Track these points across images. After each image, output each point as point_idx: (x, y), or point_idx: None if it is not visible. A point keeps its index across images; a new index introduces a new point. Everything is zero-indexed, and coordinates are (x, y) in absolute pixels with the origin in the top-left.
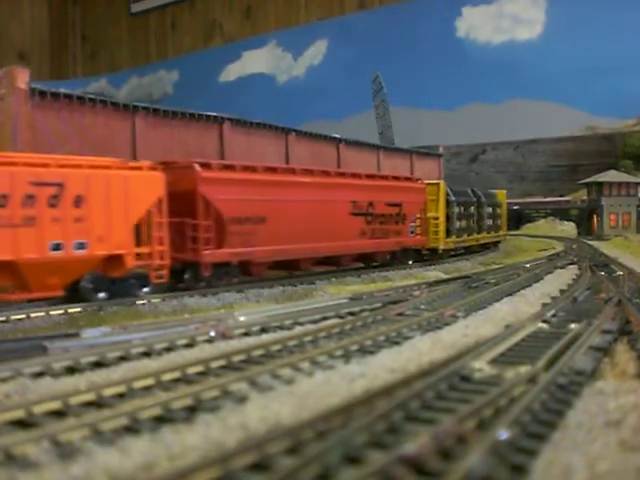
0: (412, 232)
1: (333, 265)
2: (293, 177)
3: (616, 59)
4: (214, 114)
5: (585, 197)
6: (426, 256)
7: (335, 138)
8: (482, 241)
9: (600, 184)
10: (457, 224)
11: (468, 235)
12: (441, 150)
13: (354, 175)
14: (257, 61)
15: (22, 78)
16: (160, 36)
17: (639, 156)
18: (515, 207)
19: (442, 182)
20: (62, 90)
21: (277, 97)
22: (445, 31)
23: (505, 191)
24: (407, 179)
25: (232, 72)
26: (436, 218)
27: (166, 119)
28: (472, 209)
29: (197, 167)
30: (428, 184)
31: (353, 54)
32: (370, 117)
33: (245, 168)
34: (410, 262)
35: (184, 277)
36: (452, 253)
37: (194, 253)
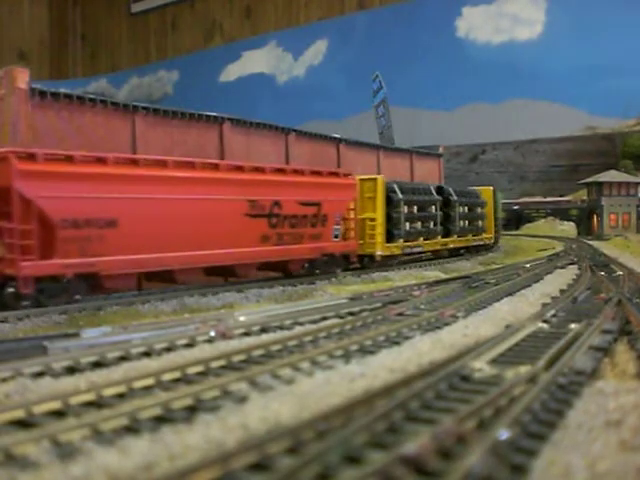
0: (336, 236)
1: (231, 276)
2: (161, 171)
3: (616, 59)
4: (214, 114)
5: (585, 197)
6: (360, 264)
7: (335, 138)
8: (451, 245)
9: (600, 184)
10: (406, 226)
11: (426, 239)
12: (441, 150)
13: (255, 169)
14: (257, 61)
15: (22, 78)
16: (160, 36)
17: (639, 156)
18: (515, 207)
19: (380, 177)
20: (62, 90)
21: (277, 97)
22: (445, 31)
23: (492, 188)
24: (331, 174)
25: (232, 72)
26: (373, 219)
27: (166, 119)
28: (433, 209)
29: (13, 158)
30: (363, 179)
31: (353, 54)
32: (370, 117)
33: (89, 159)
34: (339, 271)
35: (3, 293)
36: (402, 260)
37: (10, 264)
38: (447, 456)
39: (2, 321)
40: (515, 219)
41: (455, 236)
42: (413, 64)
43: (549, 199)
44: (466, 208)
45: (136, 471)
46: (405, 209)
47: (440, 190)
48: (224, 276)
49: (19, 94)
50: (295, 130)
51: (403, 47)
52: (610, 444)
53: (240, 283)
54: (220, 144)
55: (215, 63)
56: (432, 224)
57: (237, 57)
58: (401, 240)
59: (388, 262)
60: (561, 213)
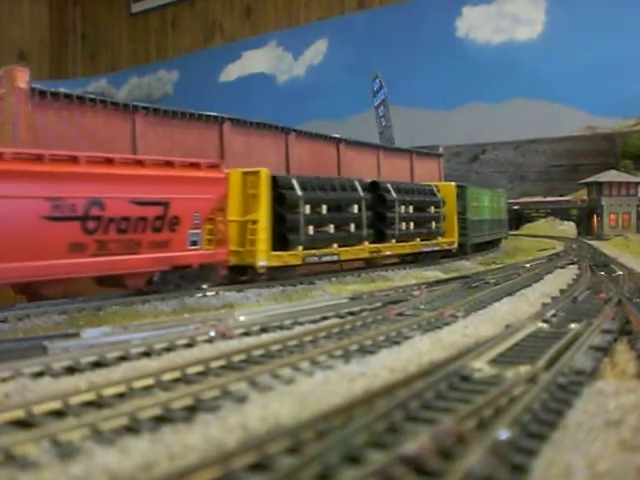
0: (195, 243)
1: (35, 296)
2: None
3: (616, 59)
4: (214, 114)
5: (585, 197)
6: (241, 277)
7: (335, 138)
8: (388, 252)
9: (600, 184)
10: (309, 230)
11: (343, 245)
12: (441, 150)
13: (63, 159)
14: (257, 61)
15: (22, 78)
16: (160, 36)
17: (639, 156)
18: (515, 207)
19: (265, 170)
20: (62, 90)
21: (277, 97)
22: (445, 31)
23: (455, 183)
24: (190, 165)
25: (232, 72)
26: (255, 222)
27: (166, 119)
28: (355, 209)
29: None
30: (245, 173)
31: (353, 54)
32: (370, 117)
33: None
34: (206, 286)
35: None
36: (305, 272)
37: None
38: (447, 456)
39: (2, 321)
40: (515, 219)
41: (393, 241)
42: (413, 64)
43: (549, 199)
44: (411, 208)
45: (136, 471)
46: (307, 209)
47: (374, 186)
48: (25, 295)
49: (19, 94)
50: (295, 130)
51: (403, 47)
52: (610, 444)
53: (240, 283)
54: (220, 144)
55: (215, 63)
56: (353, 227)
57: (237, 57)
58: (300, 247)
59: (280, 275)
60: (561, 213)
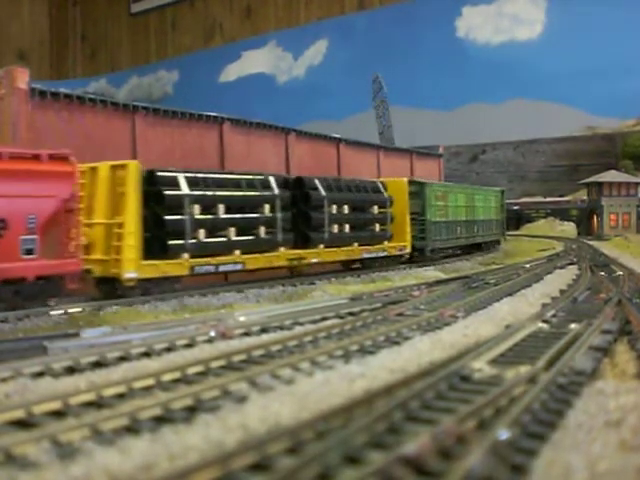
0: (30, 252)
1: None
2: None
3: (616, 59)
4: (214, 114)
5: (585, 197)
6: (103, 291)
7: (335, 138)
8: (314, 259)
9: (600, 184)
10: (198, 235)
11: (250, 252)
12: (441, 150)
13: None
14: (257, 61)
15: (22, 78)
16: (160, 36)
17: (639, 156)
18: (515, 207)
19: (134, 163)
20: (62, 90)
21: (277, 97)
22: (445, 31)
23: (407, 179)
24: (26, 157)
25: (232, 72)
26: (121, 225)
27: (166, 119)
28: (266, 209)
29: None
30: (114, 166)
31: (353, 54)
32: (370, 117)
33: None
34: (53, 303)
35: None
36: (193, 284)
37: None
38: (447, 456)
39: (2, 321)
40: (515, 219)
41: (322, 246)
42: (413, 64)
43: (549, 199)
44: (346, 207)
45: (136, 471)
46: (196, 210)
47: (298, 182)
48: None
49: (19, 94)
50: (295, 130)
51: (403, 47)
52: (610, 444)
53: (240, 283)
54: (220, 144)
55: (215, 63)
56: (263, 231)
57: (237, 57)
58: (186, 255)
59: (158, 288)
60: (561, 213)
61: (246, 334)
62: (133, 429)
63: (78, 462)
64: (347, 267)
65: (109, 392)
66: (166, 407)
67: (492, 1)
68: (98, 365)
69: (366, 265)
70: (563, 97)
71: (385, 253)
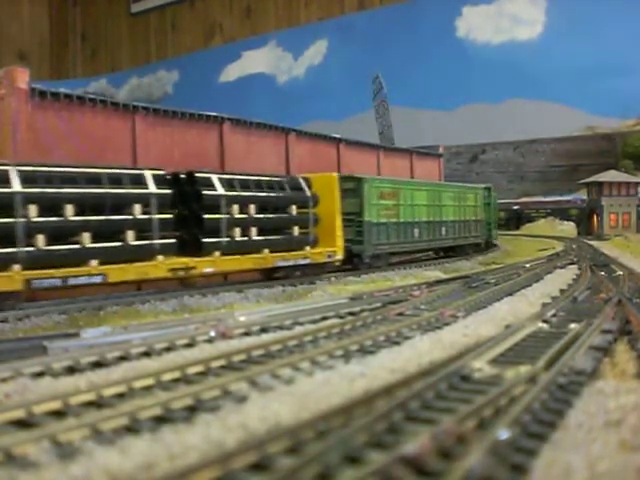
0: None
1: None
2: None
3: (616, 59)
4: (214, 114)
5: (584, 196)
6: None
7: (335, 138)
8: (206, 269)
9: (600, 184)
10: (35, 242)
11: (113, 262)
12: (441, 150)
13: None
14: (257, 61)
15: (22, 78)
16: (160, 36)
17: (639, 156)
18: (515, 207)
19: None
20: (62, 90)
21: (277, 97)
22: (445, 31)
23: (337, 174)
24: None
25: (232, 72)
26: None
27: (166, 119)
28: (137, 210)
29: None
30: None
31: (353, 54)
32: (370, 117)
33: None
34: None
35: None
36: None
37: None
38: (447, 456)
39: (2, 321)
40: (515, 219)
41: (218, 254)
42: (413, 64)
43: (549, 199)
44: (253, 208)
45: (136, 471)
46: (32, 211)
47: (189, 179)
48: None
49: (19, 94)
50: (295, 130)
51: (403, 47)
52: (610, 444)
53: (240, 283)
54: (220, 144)
55: (215, 63)
56: (131, 235)
57: (237, 57)
58: (17, 266)
59: None
60: (561, 213)
61: (246, 334)
62: (133, 429)
63: (78, 462)
64: (268, 277)
65: (109, 392)
66: (166, 407)
67: (492, 1)
68: (98, 365)
69: (288, 274)
70: (563, 97)
71: (308, 260)
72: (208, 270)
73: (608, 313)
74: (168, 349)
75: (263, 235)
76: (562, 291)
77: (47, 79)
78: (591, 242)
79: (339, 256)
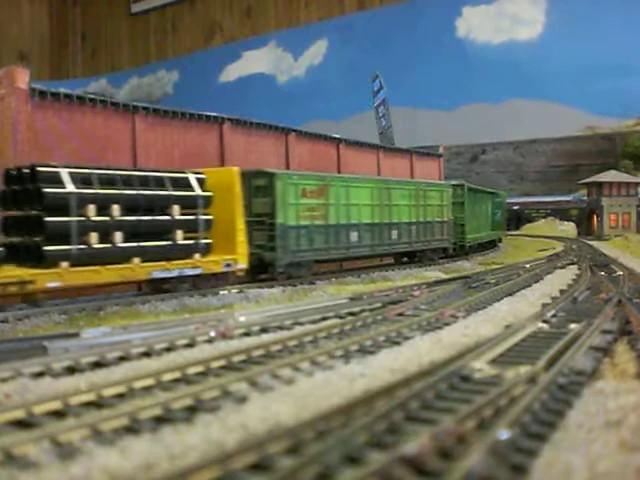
0: None
1: None
2: None
3: (616, 59)
4: (214, 114)
5: (585, 197)
6: None
7: (335, 138)
8: (48, 283)
9: (600, 184)
10: None
11: None
12: (441, 150)
13: None
14: (257, 61)
15: (22, 78)
16: (160, 36)
17: (639, 156)
18: (515, 207)
19: None
20: (62, 90)
21: (277, 97)
22: (445, 31)
23: (237, 168)
24: None
25: (232, 72)
26: None
27: (166, 119)
28: None
29: None
30: None
31: (353, 54)
32: (370, 117)
33: None
34: None
35: None
36: None
37: None
38: (447, 456)
39: (2, 321)
40: (515, 219)
41: (65, 264)
42: (413, 64)
43: (549, 199)
44: (117, 209)
45: (136, 471)
46: None
47: (31, 174)
48: None
49: (19, 94)
50: (295, 130)
51: (403, 47)
52: (610, 444)
53: (240, 283)
54: (220, 144)
55: (215, 63)
56: None
57: (237, 57)
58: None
59: None
60: (561, 213)
61: (246, 334)
62: (133, 429)
63: (78, 462)
64: (158, 289)
65: (109, 392)
66: (166, 407)
67: (492, 1)
68: (98, 365)
69: (173, 287)
70: (563, 97)
71: (199, 270)
72: (52, 285)
73: (608, 313)
74: (168, 349)
75: (133, 241)
76: (562, 291)
77: (47, 79)
78: (591, 242)
79: (241, 265)
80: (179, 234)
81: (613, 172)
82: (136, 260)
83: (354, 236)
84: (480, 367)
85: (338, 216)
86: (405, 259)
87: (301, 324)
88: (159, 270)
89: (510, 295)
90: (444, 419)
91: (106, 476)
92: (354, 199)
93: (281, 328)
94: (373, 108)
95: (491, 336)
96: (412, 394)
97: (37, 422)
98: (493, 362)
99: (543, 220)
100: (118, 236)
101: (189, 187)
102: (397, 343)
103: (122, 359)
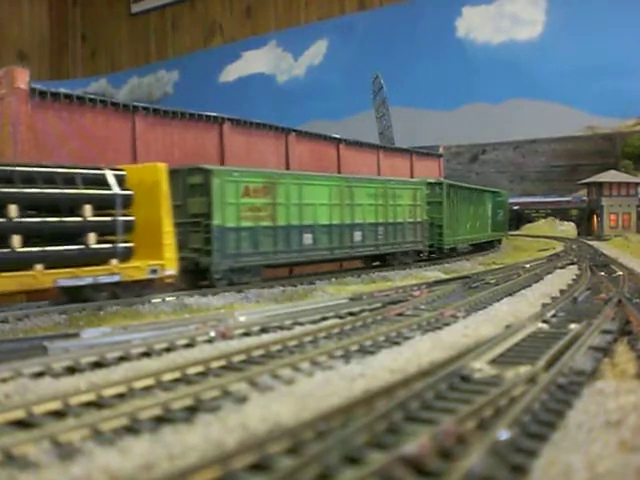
0: None
1: None
2: None
3: (616, 59)
4: (214, 114)
5: (585, 197)
6: None
7: (335, 138)
8: None
9: (600, 184)
10: None
11: None
12: (441, 150)
13: None
14: (257, 61)
15: (22, 78)
16: (160, 36)
17: (639, 156)
18: (515, 207)
19: None
20: (62, 90)
21: (277, 97)
22: (445, 31)
23: (163, 165)
24: None
25: (232, 72)
26: None
27: (166, 119)
28: None
29: None
30: None
31: (353, 54)
32: (370, 117)
33: None
34: None
35: None
36: None
37: None
38: (447, 456)
39: (2, 321)
40: (515, 219)
41: None
42: (413, 64)
43: (549, 199)
44: (13, 209)
45: (136, 471)
46: None
47: None
48: None
49: (19, 94)
50: (295, 130)
51: (403, 47)
52: (610, 444)
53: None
54: (220, 144)
55: (215, 63)
56: None
57: (237, 57)
58: None
59: None
60: (561, 213)
61: (246, 334)
62: (133, 429)
63: (78, 462)
64: (75, 299)
65: (109, 392)
66: (166, 407)
67: (492, 1)
68: (98, 365)
69: (90, 296)
70: (563, 97)
71: (118, 277)
72: None
73: (608, 313)
74: (168, 349)
75: (35, 245)
76: (562, 291)
77: (47, 79)
78: (591, 242)
79: (170, 270)
80: (92, 237)
81: (613, 172)
82: (39, 267)
83: (308, 238)
84: (480, 367)
85: (289, 217)
86: (377, 263)
87: (301, 324)
88: (66, 277)
89: (510, 295)
90: (444, 419)
91: (106, 476)
92: (308, 198)
93: (281, 328)
94: (373, 108)
95: (491, 336)
96: (412, 394)
97: (37, 422)
98: (493, 362)
99: (543, 220)
100: (16, 240)
101: (105, 185)
102: (397, 343)
103: (122, 359)
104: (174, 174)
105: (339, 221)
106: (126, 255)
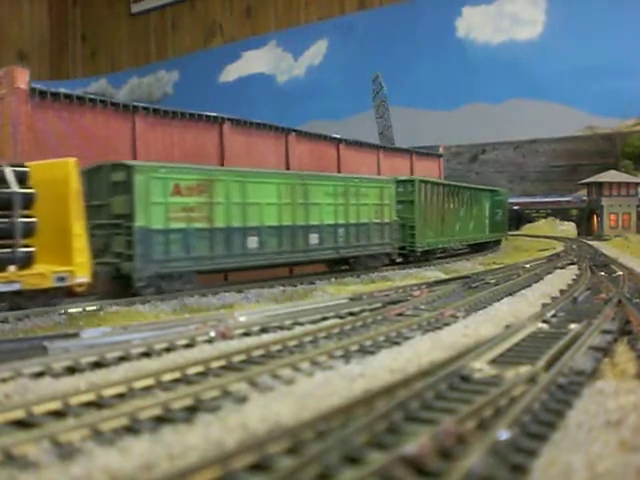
0: None
1: None
2: None
3: (616, 59)
4: (214, 114)
5: (585, 197)
6: None
7: (335, 138)
8: None
9: (600, 184)
10: None
11: None
12: (441, 150)
13: None
14: (257, 61)
15: (22, 78)
16: (160, 36)
17: (639, 156)
18: (515, 207)
19: None
20: (62, 90)
21: (277, 97)
22: (445, 31)
23: (72, 160)
24: None
25: (232, 72)
26: None
27: (166, 119)
28: None
29: None
30: None
31: (353, 54)
32: (370, 117)
33: None
34: None
35: None
36: None
37: None
38: (447, 456)
39: (2, 321)
40: (515, 219)
41: None
42: (413, 64)
43: (549, 199)
44: None
45: (136, 471)
46: None
47: None
48: None
49: (19, 94)
50: (295, 130)
51: (403, 47)
52: (610, 444)
53: (240, 283)
54: (220, 144)
55: (215, 63)
56: None
57: (237, 57)
58: None
59: None
60: (561, 213)
61: (246, 334)
62: (133, 429)
63: (78, 462)
64: None
65: (109, 392)
66: (166, 407)
67: (492, 1)
68: (98, 365)
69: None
70: (563, 97)
71: (17, 286)
72: None
73: (608, 313)
74: (168, 349)
75: None
76: (562, 291)
77: (47, 79)
78: (591, 242)
79: (82, 278)
80: None
81: (613, 172)
82: None
83: (253, 242)
84: (480, 367)
85: (229, 218)
86: (346, 266)
87: (301, 324)
88: None
89: (510, 295)
90: (444, 419)
91: (106, 476)
92: (253, 197)
93: (281, 328)
94: (373, 108)
95: (491, 336)
96: (412, 394)
97: (37, 422)
98: (493, 362)
99: (543, 220)
100: None
101: (2, 183)
102: (397, 343)
103: (122, 359)
104: (98, 171)
105: (291, 222)
106: (26, 261)
